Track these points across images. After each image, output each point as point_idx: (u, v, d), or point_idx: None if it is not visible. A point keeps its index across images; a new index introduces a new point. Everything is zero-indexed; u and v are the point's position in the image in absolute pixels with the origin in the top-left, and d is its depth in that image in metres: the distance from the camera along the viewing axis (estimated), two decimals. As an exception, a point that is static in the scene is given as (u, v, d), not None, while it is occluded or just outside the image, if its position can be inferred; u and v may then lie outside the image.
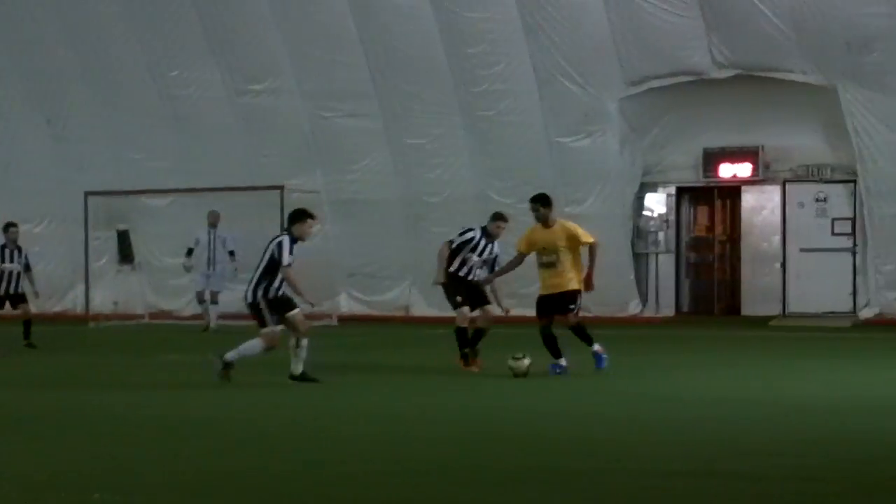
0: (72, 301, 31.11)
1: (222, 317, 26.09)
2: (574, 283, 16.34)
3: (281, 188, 27.68)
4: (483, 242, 17.39)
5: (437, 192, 28.40)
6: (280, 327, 15.51)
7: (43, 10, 29.60)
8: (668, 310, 28.43)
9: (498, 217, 17.72)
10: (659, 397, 14.14)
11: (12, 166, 31.08)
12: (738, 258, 28.96)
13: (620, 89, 27.22)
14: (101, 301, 29.90)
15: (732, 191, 28.91)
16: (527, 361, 15.84)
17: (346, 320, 27.96)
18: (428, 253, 28.31)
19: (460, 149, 28.14)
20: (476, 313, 17.26)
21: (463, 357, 16.92)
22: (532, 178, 27.29)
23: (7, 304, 22.89)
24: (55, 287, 30.96)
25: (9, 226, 23.04)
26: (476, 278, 17.29)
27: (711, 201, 29.40)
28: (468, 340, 16.98)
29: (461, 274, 17.28)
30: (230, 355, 15.39)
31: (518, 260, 16.98)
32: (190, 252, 26.67)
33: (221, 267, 26.53)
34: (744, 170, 27.77)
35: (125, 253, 30.28)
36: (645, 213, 28.47)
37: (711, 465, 9.66)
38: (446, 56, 27.59)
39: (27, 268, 23.04)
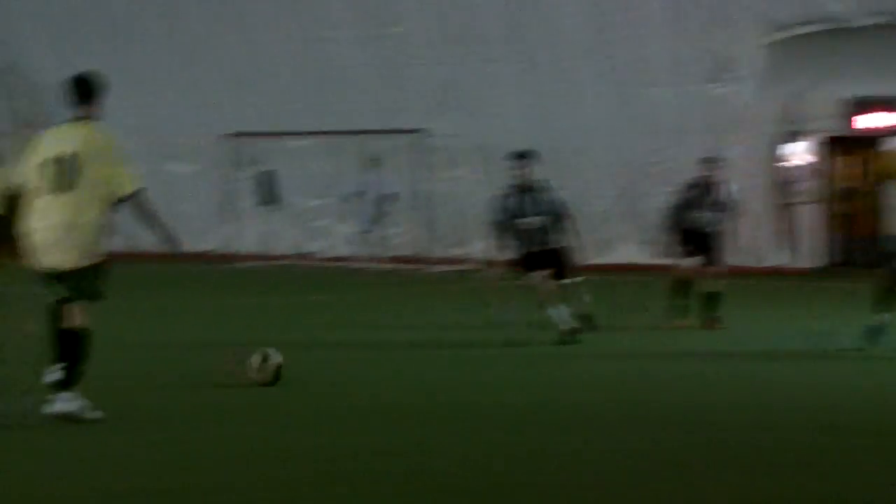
0: (216, 241, 31.65)
1: (366, 259, 26.82)
2: None
3: (420, 132, 27.84)
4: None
5: (577, 138, 28.34)
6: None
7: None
8: (814, 261, 28.10)
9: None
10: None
11: (158, 107, 31.62)
12: (878, 209, 28.46)
13: (764, 35, 26.89)
14: (247, 241, 30.40)
15: (875, 140, 28.43)
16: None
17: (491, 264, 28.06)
18: (567, 199, 28.45)
19: (601, 95, 28.02)
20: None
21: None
22: (673, 126, 27.24)
23: None
24: (200, 227, 31.60)
25: None
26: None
27: (857, 151, 28.93)
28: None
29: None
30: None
31: None
32: (350, 197, 27.20)
33: (377, 209, 27.02)
34: (887, 119, 27.30)
35: (269, 194, 30.71)
36: (788, 162, 28.13)
37: None
38: (584, 1, 27.47)
39: None
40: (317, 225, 30.31)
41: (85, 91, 9.80)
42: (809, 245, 28.21)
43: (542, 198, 13.92)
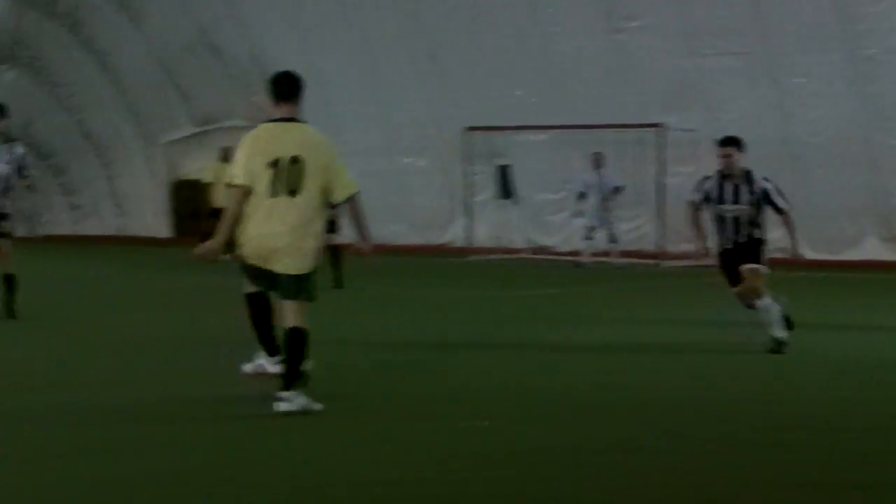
0: (453, 234, 32.00)
1: (597, 254, 26.75)
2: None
3: (659, 126, 27.66)
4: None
5: (817, 132, 27.75)
6: None
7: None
8: None
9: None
10: None
11: (396, 100, 32.13)
12: None
13: None
14: (483, 234, 30.63)
15: None
16: None
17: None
18: (805, 194, 27.95)
19: (840, 87, 27.34)
20: None
21: None
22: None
23: None
24: (436, 220, 32.06)
25: None
26: None
27: None
28: None
29: None
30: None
31: None
32: (581, 196, 27.22)
33: (603, 204, 26.97)
34: None
35: (505, 188, 30.92)
36: None
37: None
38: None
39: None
40: (551, 219, 30.40)
41: (295, 89, 9.73)
42: None
43: (745, 187, 13.15)
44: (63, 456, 8.06)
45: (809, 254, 27.24)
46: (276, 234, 9.46)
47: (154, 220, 37.38)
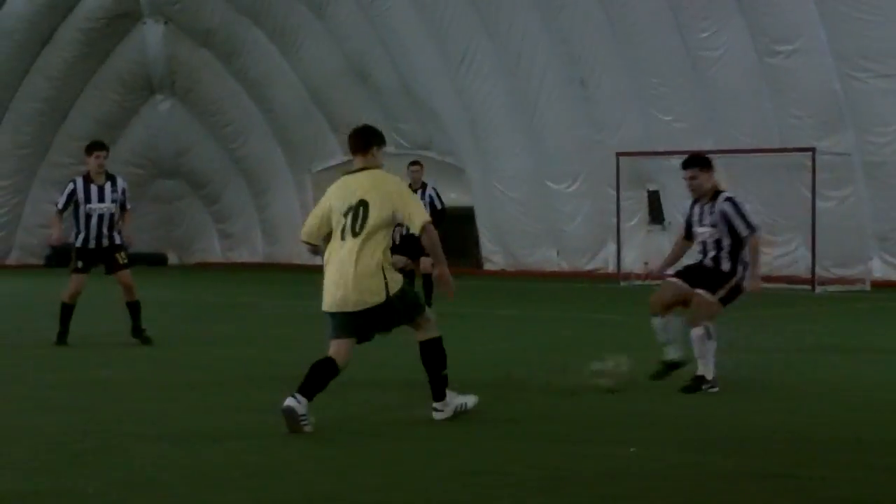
0: (603, 259, 31.94)
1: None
2: None
3: (811, 150, 27.34)
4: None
5: None
6: None
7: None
8: None
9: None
10: None
11: (545, 126, 32.21)
12: None
13: None
14: (632, 260, 30.51)
15: None
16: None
17: (880, 285, 27.34)
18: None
19: None
20: None
21: None
22: None
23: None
24: (587, 245, 32.05)
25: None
26: None
27: None
28: None
29: None
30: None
31: None
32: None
33: None
34: None
35: (656, 213, 30.80)
36: None
37: None
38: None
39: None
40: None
41: (363, 142, 10.30)
42: None
43: (709, 208, 11.94)
44: (233, 479, 8.23)
45: None
46: (346, 276, 9.94)
47: (303, 248, 37.78)
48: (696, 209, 12.18)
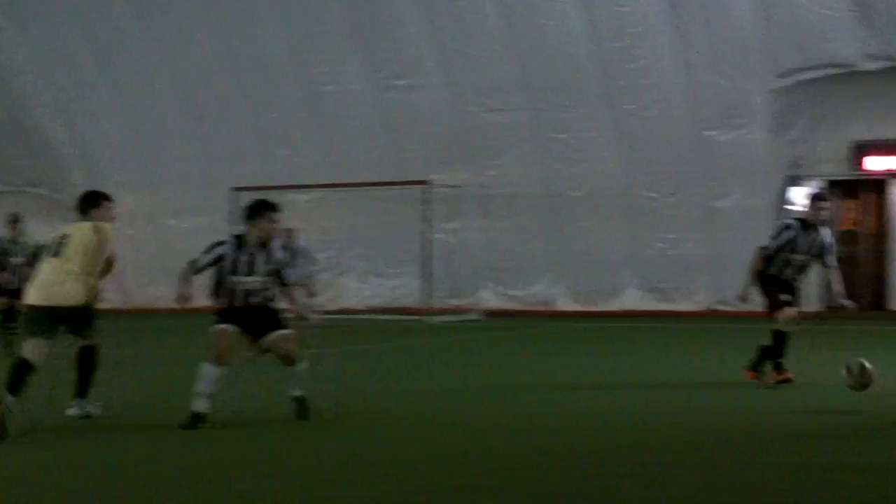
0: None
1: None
2: None
3: (425, 183, 27.84)
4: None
5: (581, 186, 28.36)
6: None
7: (192, 6, 30.14)
8: (812, 304, 27.98)
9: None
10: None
11: (160, 161, 31.71)
12: (885, 252, 28.47)
13: (768, 82, 26.92)
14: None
15: (881, 184, 28.41)
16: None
17: (493, 314, 28.05)
18: (570, 248, 28.47)
19: (604, 143, 28.03)
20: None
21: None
22: (677, 172, 27.30)
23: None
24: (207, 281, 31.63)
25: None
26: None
27: (859, 195, 28.92)
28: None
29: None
30: None
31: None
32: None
33: None
34: (893, 163, 27.28)
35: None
36: (792, 206, 28.12)
37: None
38: (592, 50, 27.52)
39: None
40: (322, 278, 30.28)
41: (86, 204, 11.36)
42: (809, 289, 28.11)
43: (261, 256, 11.22)
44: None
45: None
46: None
47: None
48: (243, 257, 11.15)
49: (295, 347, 11.40)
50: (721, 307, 27.46)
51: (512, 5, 27.74)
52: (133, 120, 31.85)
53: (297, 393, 11.41)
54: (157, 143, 31.74)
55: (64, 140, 32.75)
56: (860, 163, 27.41)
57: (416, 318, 27.12)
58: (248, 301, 11.20)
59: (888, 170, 27.50)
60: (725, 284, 27.26)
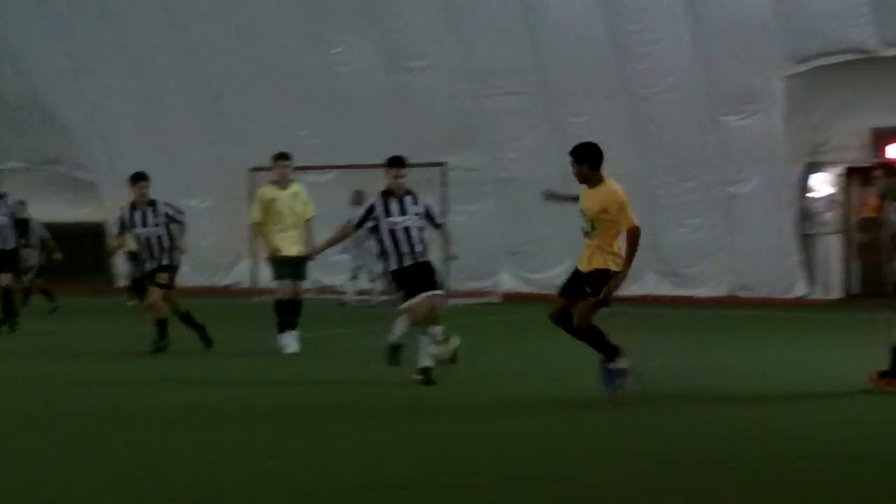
0: (237, 276, 31.63)
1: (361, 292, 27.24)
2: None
3: (442, 165, 27.76)
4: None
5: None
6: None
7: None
8: (835, 292, 27.93)
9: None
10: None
11: (177, 141, 31.67)
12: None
13: (786, 67, 26.78)
14: (269, 276, 30.09)
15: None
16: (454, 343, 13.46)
17: (510, 298, 28.04)
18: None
19: (620, 127, 27.86)
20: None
21: None
22: (693, 157, 27.22)
23: None
24: (221, 261, 31.61)
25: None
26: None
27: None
28: None
29: None
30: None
31: None
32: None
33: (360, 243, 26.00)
34: (913, 150, 27.17)
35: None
36: (811, 193, 28.06)
37: None
38: (607, 33, 27.39)
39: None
40: (336, 259, 30.07)
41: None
42: (830, 276, 28.09)
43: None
44: None
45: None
46: None
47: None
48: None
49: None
50: (741, 293, 27.35)
51: (526, -14, 27.64)
52: (149, 99, 31.82)
53: (428, 363, 13.02)
54: (172, 122, 31.69)
55: (82, 120, 32.75)
56: (881, 150, 27.26)
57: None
58: (415, 259, 13.33)
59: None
60: (744, 270, 27.22)
